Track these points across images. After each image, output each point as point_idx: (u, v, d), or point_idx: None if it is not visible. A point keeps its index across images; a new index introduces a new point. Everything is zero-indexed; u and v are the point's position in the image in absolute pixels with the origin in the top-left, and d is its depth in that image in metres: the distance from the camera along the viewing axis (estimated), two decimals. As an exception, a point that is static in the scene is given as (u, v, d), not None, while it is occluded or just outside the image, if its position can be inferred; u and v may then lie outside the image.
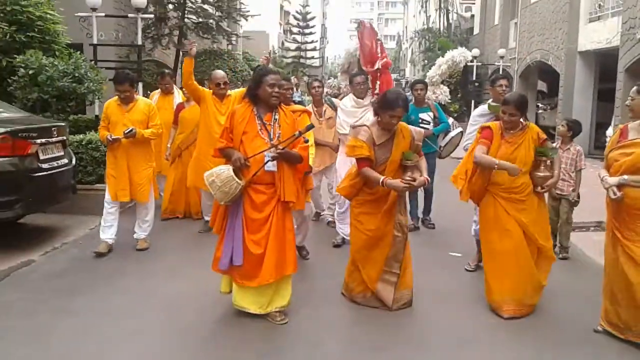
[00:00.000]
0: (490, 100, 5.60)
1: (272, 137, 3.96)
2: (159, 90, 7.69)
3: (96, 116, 9.53)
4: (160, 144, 7.16)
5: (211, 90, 6.26)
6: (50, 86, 7.95)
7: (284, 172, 3.98)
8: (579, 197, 5.84)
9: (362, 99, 6.04)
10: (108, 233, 5.63)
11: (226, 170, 3.86)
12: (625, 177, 3.67)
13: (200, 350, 3.71)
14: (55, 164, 5.84)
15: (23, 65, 7.92)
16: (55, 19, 9.09)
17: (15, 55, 8.13)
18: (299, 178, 4.16)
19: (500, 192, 4.35)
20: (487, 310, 4.39)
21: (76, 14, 10.32)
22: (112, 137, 5.45)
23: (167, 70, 8.09)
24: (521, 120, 4.36)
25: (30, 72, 7.88)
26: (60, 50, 9.10)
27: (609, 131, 12.79)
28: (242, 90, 6.16)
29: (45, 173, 5.64)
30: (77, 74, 8.25)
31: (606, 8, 13.77)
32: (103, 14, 10.42)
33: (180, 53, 15.42)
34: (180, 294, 4.62)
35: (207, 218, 6.56)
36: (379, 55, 6.22)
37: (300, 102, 9.27)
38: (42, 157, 5.64)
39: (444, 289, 4.85)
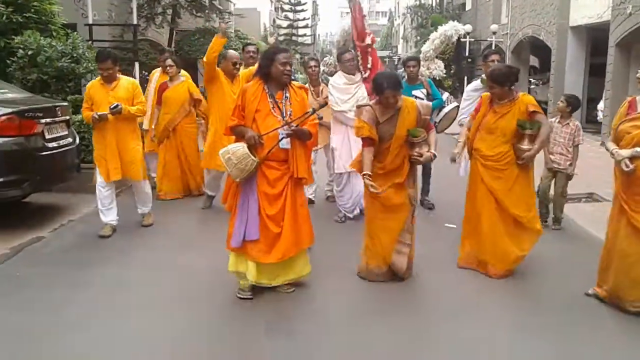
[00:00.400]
0: (483, 75, 5.70)
1: (284, 115, 4.00)
2: (159, 68, 7.59)
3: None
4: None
5: (222, 70, 6.27)
6: (49, 67, 8.05)
7: (296, 149, 4.04)
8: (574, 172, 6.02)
9: (353, 74, 6.09)
10: (110, 216, 5.63)
11: (241, 147, 3.90)
12: (638, 149, 3.69)
13: (210, 321, 3.84)
14: (60, 143, 5.93)
15: (22, 46, 8.01)
16: (51, 0, 9.12)
17: (12, 37, 8.19)
18: (308, 154, 4.24)
19: (479, 158, 4.56)
20: (481, 278, 4.56)
21: (71, -6, 10.32)
22: (98, 114, 5.36)
23: (167, 48, 8.01)
24: (513, 91, 4.47)
25: (29, 52, 7.99)
26: (57, 31, 9.14)
27: (600, 105, 13.01)
28: (249, 69, 6.16)
29: (51, 152, 5.73)
30: (75, 54, 8.34)
31: (598, -18, 13.87)
32: (98, -6, 10.42)
33: (174, 32, 15.42)
34: (189, 267, 4.77)
35: (210, 193, 6.72)
36: (367, 32, 6.29)
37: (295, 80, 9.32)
38: (47, 136, 5.74)
39: (441, 259, 4.99)
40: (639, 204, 3.75)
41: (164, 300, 4.16)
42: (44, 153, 5.64)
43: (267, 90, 4.03)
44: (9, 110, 5.35)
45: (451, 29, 16.93)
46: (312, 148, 4.36)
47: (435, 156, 4.30)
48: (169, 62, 7.08)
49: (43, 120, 5.68)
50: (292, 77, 6.82)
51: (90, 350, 3.44)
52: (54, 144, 5.83)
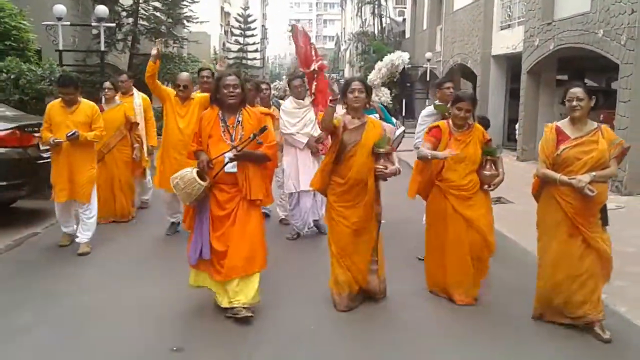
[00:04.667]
0: (436, 101, 5.85)
1: (233, 139, 4.11)
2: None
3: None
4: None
5: (175, 92, 6.26)
6: (29, 89, 9.07)
7: (248, 171, 4.12)
8: None
9: (302, 99, 6.38)
10: (68, 229, 6.04)
11: (189, 172, 4.03)
12: (594, 173, 3.83)
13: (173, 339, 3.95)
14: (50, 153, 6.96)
15: (5, 70, 9.00)
16: (27, 28, 10.14)
17: (-6, 62, 9.18)
18: (267, 175, 4.34)
19: (450, 190, 4.51)
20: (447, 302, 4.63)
21: (43, 23, 11.32)
22: (55, 141, 5.56)
23: (126, 72, 8.52)
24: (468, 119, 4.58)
25: (12, 76, 8.98)
26: (32, 56, 10.16)
27: (517, 125, 14.84)
28: (204, 95, 6.17)
29: (44, 161, 6.64)
30: (52, 78, 9.38)
31: (514, 18, 15.81)
32: (68, 23, 11.46)
33: (133, 56, 16.48)
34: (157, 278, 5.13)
35: (171, 219, 6.67)
36: (314, 58, 6.47)
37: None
38: (41, 147, 6.76)
39: (403, 280, 5.00)
40: (595, 225, 3.96)
41: (119, 312, 4.42)
42: (39, 161, 6.62)
43: (220, 116, 4.17)
44: (12, 125, 6.42)
45: (397, 58, 18.43)
46: (273, 169, 4.49)
47: (400, 171, 4.34)
48: (107, 84, 7.10)
49: (37, 134, 6.69)
50: (271, 101, 6.90)
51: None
52: (47, 154, 6.84)
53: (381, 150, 4.26)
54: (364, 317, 4.35)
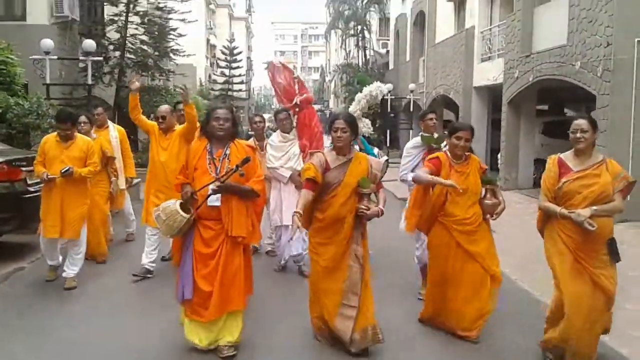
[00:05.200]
0: (421, 133, 5.76)
1: (219, 172, 4.00)
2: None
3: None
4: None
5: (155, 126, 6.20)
6: (17, 122, 9.11)
7: (232, 206, 4.00)
8: None
9: (288, 133, 6.39)
10: (54, 262, 6.03)
11: (172, 204, 3.93)
12: (595, 207, 3.72)
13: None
14: (38, 187, 6.91)
15: (-8, 104, 9.06)
16: (14, 62, 10.22)
17: (-18, 96, 9.23)
18: (255, 211, 4.21)
19: (453, 225, 4.39)
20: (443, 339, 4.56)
21: (30, 57, 11.42)
22: (49, 177, 5.57)
23: (98, 105, 8.28)
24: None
25: None
26: (19, 90, 10.22)
27: (499, 155, 15.10)
28: (183, 126, 6.13)
29: (32, 195, 6.70)
30: (40, 112, 9.44)
31: (494, 50, 16.22)
32: (55, 57, 11.57)
33: (120, 89, 16.60)
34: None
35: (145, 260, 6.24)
36: (297, 92, 6.46)
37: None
38: (29, 181, 6.80)
39: (397, 322, 4.88)
40: (597, 260, 3.82)
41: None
42: (27, 196, 6.66)
43: (207, 148, 4.10)
44: (1, 159, 6.45)
45: (376, 89, 18.61)
46: (262, 205, 4.38)
47: (382, 212, 4.17)
48: (82, 118, 6.82)
49: (25, 168, 6.74)
50: (265, 134, 6.85)
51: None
52: (35, 188, 6.85)
53: (365, 190, 4.16)
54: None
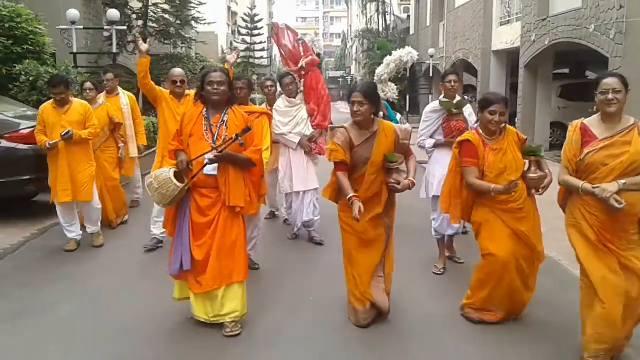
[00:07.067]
0: (441, 96, 5.47)
1: (216, 139, 3.87)
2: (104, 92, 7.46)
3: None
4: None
5: (169, 90, 5.83)
6: (47, 90, 9.56)
7: (229, 175, 3.86)
8: None
9: (294, 98, 6.21)
10: (72, 234, 5.96)
11: (166, 172, 3.80)
12: (623, 181, 3.23)
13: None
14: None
15: (23, 73, 9.52)
16: (43, 33, 10.66)
17: (13, 65, 9.70)
18: (252, 181, 4.04)
19: (497, 205, 3.94)
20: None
21: (58, 27, 11.86)
22: (50, 144, 5.57)
23: (108, 70, 7.92)
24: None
25: (30, 78, 9.50)
26: (48, 59, 10.68)
27: (516, 119, 15.23)
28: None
29: None
30: (68, 79, 9.88)
31: (512, 14, 16.20)
32: (82, 27, 12.00)
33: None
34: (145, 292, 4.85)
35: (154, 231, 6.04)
36: (302, 54, 6.27)
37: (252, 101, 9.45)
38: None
39: (416, 295, 4.74)
40: (627, 240, 3.38)
41: (99, 330, 4.13)
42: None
43: (204, 114, 3.95)
44: (34, 123, 6.91)
45: (407, 54, 18.72)
46: (259, 175, 4.20)
47: (414, 184, 3.96)
48: (88, 85, 6.79)
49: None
50: (250, 98, 6.30)
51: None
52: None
53: (393, 165, 3.93)
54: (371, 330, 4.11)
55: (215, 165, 3.81)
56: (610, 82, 3.30)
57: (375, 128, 4.00)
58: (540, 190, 3.95)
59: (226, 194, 3.85)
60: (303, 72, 6.24)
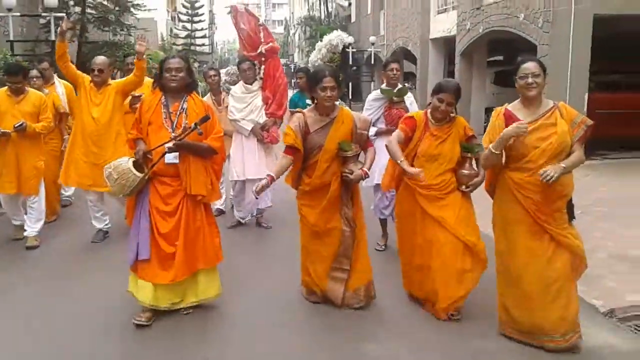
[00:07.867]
0: (383, 85, 5.50)
1: (175, 127, 3.81)
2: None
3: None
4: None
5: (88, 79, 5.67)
6: (-3, 78, 9.37)
7: (189, 164, 3.82)
8: None
9: (251, 84, 6.12)
10: (19, 222, 5.87)
11: (125, 162, 3.74)
12: (563, 165, 3.30)
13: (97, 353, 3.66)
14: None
15: (-40, 62, 9.28)
16: (-23, 20, 10.40)
17: (-53, 55, 9.44)
18: (214, 169, 4.01)
19: (418, 188, 3.96)
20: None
21: (-7, 14, 11.54)
22: (1, 131, 5.39)
23: (43, 59, 7.56)
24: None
25: (-33, 67, 9.27)
26: (-18, 47, 10.43)
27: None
28: (120, 81, 5.90)
29: None
30: (26, 68, 9.67)
31: (449, 2, 16.76)
32: (19, 14, 11.70)
33: (82, 45, 16.69)
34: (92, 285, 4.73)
35: (97, 225, 5.97)
36: (262, 40, 6.11)
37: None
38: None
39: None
40: (561, 220, 3.46)
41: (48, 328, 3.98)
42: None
43: (163, 102, 3.87)
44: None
45: (336, 38, 19.13)
46: (221, 163, 4.18)
47: (367, 175, 4.00)
48: (34, 73, 6.47)
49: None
50: (222, 87, 6.48)
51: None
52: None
53: (347, 154, 3.94)
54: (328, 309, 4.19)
55: (176, 153, 3.78)
56: (528, 66, 3.40)
57: (334, 115, 4.01)
58: (469, 187, 3.98)
59: (187, 183, 3.82)
60: (263, 59, 6.14)
